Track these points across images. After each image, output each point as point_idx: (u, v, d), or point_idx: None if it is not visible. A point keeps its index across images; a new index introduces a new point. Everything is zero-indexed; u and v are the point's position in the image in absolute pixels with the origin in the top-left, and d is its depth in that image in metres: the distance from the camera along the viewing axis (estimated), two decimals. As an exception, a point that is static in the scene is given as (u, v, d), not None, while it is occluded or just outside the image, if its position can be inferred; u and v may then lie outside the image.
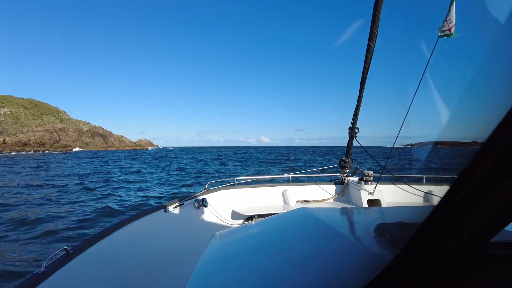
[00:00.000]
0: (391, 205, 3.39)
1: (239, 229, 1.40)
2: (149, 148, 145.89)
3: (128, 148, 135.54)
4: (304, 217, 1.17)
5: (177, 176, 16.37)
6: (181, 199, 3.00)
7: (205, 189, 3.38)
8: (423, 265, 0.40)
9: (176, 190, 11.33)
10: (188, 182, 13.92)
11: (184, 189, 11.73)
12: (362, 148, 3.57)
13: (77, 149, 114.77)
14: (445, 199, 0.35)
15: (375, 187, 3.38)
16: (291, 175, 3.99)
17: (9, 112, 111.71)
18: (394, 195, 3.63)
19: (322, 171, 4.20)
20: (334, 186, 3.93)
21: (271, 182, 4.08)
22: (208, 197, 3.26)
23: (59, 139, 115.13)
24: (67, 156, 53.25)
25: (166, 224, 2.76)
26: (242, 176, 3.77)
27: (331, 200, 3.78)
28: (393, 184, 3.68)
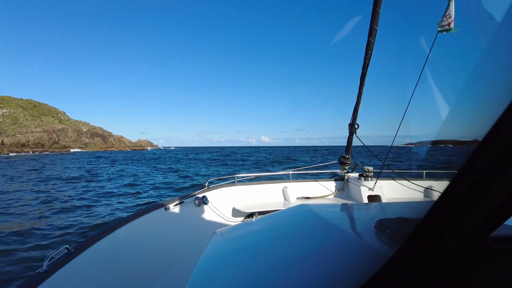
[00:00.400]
0: (391, 201, 3.41)
1: (240, 226, 1.40)
2: (149, 148, 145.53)
3: (127, 148, 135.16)
4: (304, 214, 1.17)
5: (171, 178, 15.35)
6: (182, 197, 3.00)
7: (205, 186, 3.37)
8: (424, 260, 0.40)
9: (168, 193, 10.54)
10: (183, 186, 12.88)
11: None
12: (362, 143, 3.57)
13: (76, 149, 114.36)
14: (445, 194, 0.35)
15: (375, 183, 3.38)
16: (291, 172, 3.99)
17: (8, 113, 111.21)
18: (394, 191, 3.63)
19: (322, 168, 4.20)
20: (334, 182, 3.94)
21: (271, 179, 4.08)
22: (209, 194, 3.26)
23: (58, 140, 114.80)
24: (61, 157, 52.57)
25: (166, 222, 2.76)
26: (242, 173, 3.76)
27: (332, 197, 3.78)
28: (393, 180, 3.69)
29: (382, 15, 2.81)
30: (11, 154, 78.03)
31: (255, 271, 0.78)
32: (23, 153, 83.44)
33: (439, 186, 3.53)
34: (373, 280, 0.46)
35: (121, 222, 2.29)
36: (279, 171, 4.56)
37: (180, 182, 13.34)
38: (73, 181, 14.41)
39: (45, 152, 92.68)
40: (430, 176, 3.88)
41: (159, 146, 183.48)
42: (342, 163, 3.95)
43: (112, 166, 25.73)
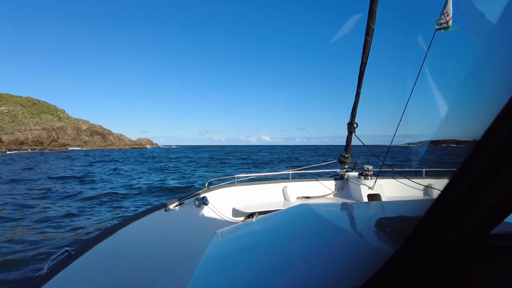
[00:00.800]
0: (391, 200, 3.40)
1: (240, 226, 1.40)
2: (148, 146, 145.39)
3: (127, 147, 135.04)
4: (304, 213, 1.17)
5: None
6: (182, 198, 2.99)
7: (205, 187, 3.37)
8: (424, 258, 0.40)
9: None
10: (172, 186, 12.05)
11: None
12: (361, 142, 3.58)
13: (75, 148, 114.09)
14: (444, 192, 0.35)
15: (375, 182, 3.38)
16: (291, 172, 3.99)
17: (6, 110, 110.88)
18: (394, 189, 3.64)
19: (322, 167, 4.20)
20: (334, 181, 3.94)
21: (271, 179, 4.08)
22: (209, 195, 3.26)
23: (57, 138, 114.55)
24: (57, 155, 51.74)
25: (167, 223, 2.76)
26: (242, 173, 3.77)
27: (332, 196, 3.78)
28: (393, 178, 3.69)
29: (380, 14, 2.83)
30: (8, 152, 77.51)
31: (256, 271, 0.78)
32: (21, 151, 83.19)
33: (439, 184, 3.54)
34: (373, 279, 0.46)
35: (121, 224, 2.29)
36: (279, 170, 4.54)
37: (175, 183, 12.93)
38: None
39: (45, 150, 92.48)
40: (430, 175, 3.88)
41: (159, 144, 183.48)
42: (341, 162, 3.95)
43: (90, 166, 24.48)
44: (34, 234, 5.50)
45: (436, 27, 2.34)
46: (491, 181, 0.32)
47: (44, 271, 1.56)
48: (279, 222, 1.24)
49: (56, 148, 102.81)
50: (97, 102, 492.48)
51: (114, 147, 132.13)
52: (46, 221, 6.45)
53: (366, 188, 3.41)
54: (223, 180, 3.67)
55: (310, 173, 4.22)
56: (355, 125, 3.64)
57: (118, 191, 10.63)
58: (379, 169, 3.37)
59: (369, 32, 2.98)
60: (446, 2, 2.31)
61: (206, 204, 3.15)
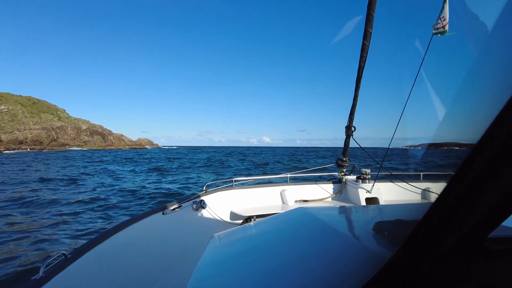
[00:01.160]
0: (389, 203, 3.40)
1: (238, 230, 1.39)
2: (148, 147, 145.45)
3: (127, 147, 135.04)
4: (302, 217, 1.17)
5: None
6: (179, 201, 2.98)
7: (203, 190, 3.36)
8: (422, 262, 0.40)
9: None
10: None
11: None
12: (359, 145, 3.58)
13: (74, 148, 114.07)
14: (442, 195, 0.35)
15: (373, 185, 3.38)
16: (289, 175, 3.98)
17: (6, 110, 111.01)
18: (392, 193, 3.64)
19: (320, 170, 4.20)
20: (332, 185, 3.93)
21: (269, 182, 4.07)
22: (206, 198, 3.25)
23: (57, 137, 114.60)
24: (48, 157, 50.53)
25: (164, 227, 2.74)
26: (240, 176, 3.75)
27: (329, 199, 3.78)
28: (391, 182, 3.69)
29: (379, 14, 2.83)
30: (4, 152, 77.17)
31: (253, 275, 0.78)
32: (19, 150, 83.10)
33: (436, 188, 3.54)
34: (371, 283, 0.46)
35: (118, 227, 2.27)
36: (277, 174, 4.54)
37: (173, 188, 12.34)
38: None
39: (44, 150, 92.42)
40: (428, 178, 3.89)
41: (159, 145, 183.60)
42: (339, 166, 3.96)
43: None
44: (29, 238, 5.46)
45: (433, 31, 2.35)
46: (490, 183, 0.32)
47: (40, 275, 1.53)
48: (277, 225, 1.24)
49: (55, 147, 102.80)
50: (98, 102, 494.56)
51: (114, 147, 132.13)
52: (33, 227, 6.30)
53: (364, 191, 3.41)
54: (221, 183, 3.66)
55: (308, 177, 4.21)
56: (353, 129, 3.66)
57: (106, 195, 10.14)
58: (377, 173, 3.36)
59: (366, 36, 2.98)
60: (443, 7, 2.31)
61: (204, 207, 3.13)
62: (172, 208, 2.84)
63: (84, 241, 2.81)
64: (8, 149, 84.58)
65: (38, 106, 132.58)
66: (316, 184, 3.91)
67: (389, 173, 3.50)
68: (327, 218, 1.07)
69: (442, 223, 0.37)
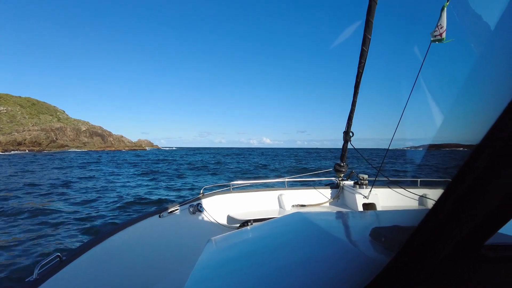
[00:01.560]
0: (386, 209, 3.41)
1: (235, 234, 1.39)
2: (147, 148, 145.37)
3: (127, 148, 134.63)
4: (299, 222, 1.16)
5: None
6: (176, 204, 2.97)
7: (200, 194, 3.35)
8: (418, 268, 0.40)
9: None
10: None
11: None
12: (357, 151, 3.58)
13: (72, 149, 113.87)
14: (439, 202, 0.35)
15: (370, 191, 3.38)
16: (286, 180, 3.98)
17: (5, 111, 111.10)
18: (389, 199, 3.64)
19: (317, 175, 4.20)
20: (329, 190, 3.93)
21: (266, 186, 4.05)
22: (203, 202, 3.24)
23: (56, 139, 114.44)
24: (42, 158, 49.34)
25: (160, 230, 2.73)
26: (238, 180, 3.74)
27: (327, 204, 3.77)
28: (388, 187, 3.70)
29: (379, 14, 2.83)
30: (1, 153, 76.48)
31: (249, 279, 0.78)
32: (17, 152, 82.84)
33: (434, 194, 3.54)
34: None
35: (114, 230, 2.26)
36: (275, 178, 4.52)
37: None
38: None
39: (43, 151, 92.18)
40: (425, 184, 3.90)
41: (159, 146, 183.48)
42: (337, 171, 3.96)
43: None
44: (23, 240, 5.37)
45: (431, 39, 2.38)
46: (489, 188, 0.32)
47: (34, 277, 1.51)
48: (274, 230, 1.24)
49: (54, 149, 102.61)
50: (98, 103, 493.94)
51: (113, 148, 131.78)
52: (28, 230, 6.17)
53: (361, 197, 3.40)
54: (218, 187, 3.65)
55: (305, 181, 4.21)
56: (351, 134, 3.67)
57: (98, 202, 9.63)
58: (374, 178, 3.35)
59: (365, 42, 2.99)
60: (441, 15, 2.32)
61: (200, 211, 3.12)
62: (169, 211, 2.82)
63: (79, 244, 2.77)
64: (6, 151, 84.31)
65: (37, 107, 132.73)
66: (314, 189, 3.90)
67: (386, 178, 3.49)
68: (324, 223, 1.07)
69: (439, 230, 0.36)
